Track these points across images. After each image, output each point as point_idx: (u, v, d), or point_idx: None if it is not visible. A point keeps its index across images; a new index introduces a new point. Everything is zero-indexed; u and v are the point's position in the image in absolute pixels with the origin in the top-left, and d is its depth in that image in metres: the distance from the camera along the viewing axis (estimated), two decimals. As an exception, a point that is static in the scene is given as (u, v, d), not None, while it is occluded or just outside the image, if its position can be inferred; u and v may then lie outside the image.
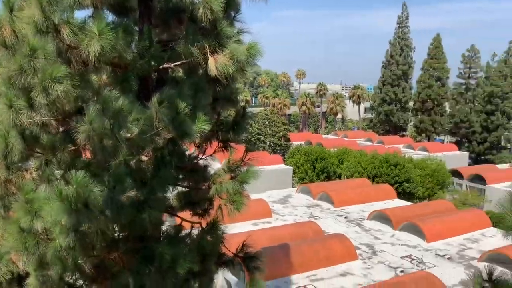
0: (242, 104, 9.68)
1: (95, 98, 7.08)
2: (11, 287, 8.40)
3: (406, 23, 71.40)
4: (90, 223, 5.47)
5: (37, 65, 5.60)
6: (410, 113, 73.88)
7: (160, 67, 6.57)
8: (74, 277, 7.49)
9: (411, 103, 73.04)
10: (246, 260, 8.20)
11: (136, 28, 7.24)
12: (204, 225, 7.83)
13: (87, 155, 7.56)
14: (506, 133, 65.08)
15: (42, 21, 5.34)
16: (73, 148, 6.74)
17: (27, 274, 7.70)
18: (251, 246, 8.40)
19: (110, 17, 6.74)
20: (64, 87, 5.60)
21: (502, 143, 65.51)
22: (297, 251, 17.40)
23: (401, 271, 17.44)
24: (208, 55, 6.01)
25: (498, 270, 6.06)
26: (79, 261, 6.17)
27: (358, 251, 19.01)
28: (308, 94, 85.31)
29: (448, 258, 18.99)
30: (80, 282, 7.62)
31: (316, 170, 38.60)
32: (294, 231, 20.39)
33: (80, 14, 6.74)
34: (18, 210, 6.39)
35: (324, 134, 72.65)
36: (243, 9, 7.15)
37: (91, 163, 7.04)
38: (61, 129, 6.54)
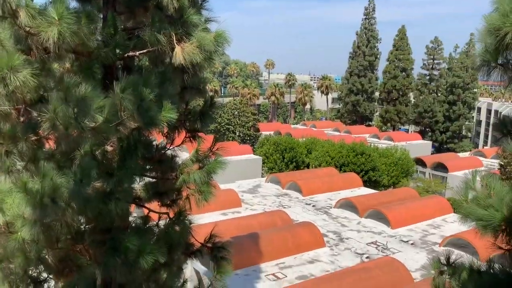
0: (211, 94, 9.63)
1: (58, 87, 6.88)
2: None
3: (372, 14, 72.52)
4: (56, 216, 5.34)
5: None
6: (376, 103, 75.47)
7: (126, 55, 6.42)
8: (38, 271, 7.32)
9: (377, 94, 74.61)
10: (214, 250, 8.21)
11: (100, 16, 7.07)
12: (172, 215, 7.77)
13: (50, 145, 7.35)
14: (467, 122, 67.63)
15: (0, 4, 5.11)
16: (35, 138, 6.53)
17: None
18: (219, 236, 8.41)
19: (73, 4, 6.50)
20: (23, 76, 5.39)
21: (463, 132, 68.08)
22: (266, 240, 17.58)
23: (367, 257, 17.94)
24: (175, 44, 5.92)
25: (455, 254, 6.33)
26: (42, 254, 6.02)
27: (325, 239, 19.40)
28: (277, 84, 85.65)
29: (412, 244, 19.66)
30: (45, 275, 7.45)
31: (285, 160, 38.95)
32: (263, 220, 20.57)
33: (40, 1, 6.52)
34: (-22, 203, 6.16)
35: (293, 124, 73.24)
36: (211, -2, 7.09)
37: (55, 154, 6.86)
38: (22, 119, 6.31)
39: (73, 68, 7.11)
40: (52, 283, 7.69)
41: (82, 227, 6.47)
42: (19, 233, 5.50)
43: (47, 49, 6.02)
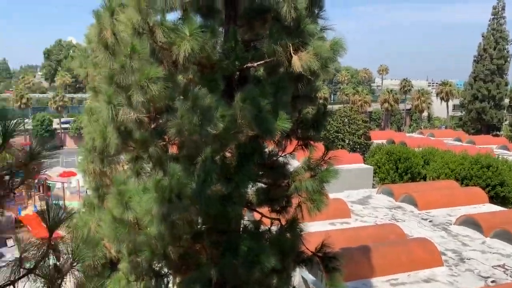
0: (321, 101, 9.64)
1: (181, 97, 7.50)
2: (104, 270, 9.19)
3: (502, 13, 65.90)
4: (180, 213, 5.83)
5: (135, 65, 6.07)
6: (505, 111, 68.07)
7: (244, 66, 6.77)
8: (160, 265, 8.01)
9: (506, 100, 67.29)
10: (325, 260, 8.17)
11: (221, 29, 7.56)
12: (283, 222, 7.93)
13: (174, 150, 8.04)
14: None
15: (139, 23, 5.76)
16: (162, 143, 7.19)
17: (118, 260, 8.37)
18: (330, 246, 8.35)
19: (197, 19, 7.06)
20: (159, 87, 5.99)
21: None
22: (377, 254, 16.91)
23: (493, 281, 16.22)
24: (292, 53, 6.08)
25: None
26: (166, 250, 6.58)
27: (443, 257, 17.99)
28: (391, 90, 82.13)
29: (549, 272, 17.31)
30: (165, 270, 8.12)
31: (399, 171, 37.10)
32: (374, 233, 19.82)
33: (170, 17, 7.20)
34: (111, 201, 6.98)
35: (408, 133, 69.52)
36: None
37: (179, 158, 7.47)
38: (152, 126, 7.00)
39: (195, 78, 7.72)
40: (171, 278, 8.36)
41: (200, 227, 6.93)
42: (147, 229, 6.08)
43: (175, 62, 6.63)
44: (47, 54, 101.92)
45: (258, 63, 6.77)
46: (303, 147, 8.34)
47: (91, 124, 8.20)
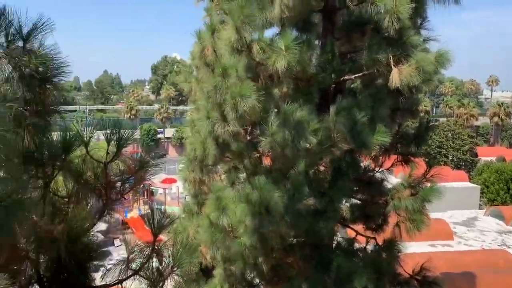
0: (421, 114, 9.13)
1: (276, 110, 7.61)
2: (200, 276, 9.57)
3: None
4: (271, 226, 5.88)
5: (229, 83, 6.32)
6: None
7: (341, 79, 6.68)
8: (252, 275, 8.13)
9: None
10: (424, 284, 7.65)
11: (316, 42, 7.55)
12: (379, 241, 7.60)
13: (268, 162, 8.16)
14: None
15: (237, 40, 5.99)
16: (257, 155, 7.35)
17: (213, 267, 8.66)
18: (430, 270, 7.81)
19: (294, 33, 7.14)
20: (251, 102, 6.15)
21: None
22: (484, 282, 15.41)
23: None
24: (392, 66, 5.86)
25: None
26: (258, 261, 6.67)
27: None
28: (502, 103, 75.12)
29: None
30: (257, 281, 8.22)
31: (510, 191, 33.62)
32: (481, 258, 18.11)
33: (268, 33, 7.38)
34: (209, 206, 7.27)
35: (522, 150, 62.80)
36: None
37: (272, 170, 7.57)
38: (248, 138, 7.19)
39: (290, 92, 7.79)
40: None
41: (292, 240, 6.92)
42: (241, 238, 6.22)
43: (271, 76, 6.76)
44: (154, 69, 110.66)
45: (356, 75, 6.63)
46: (403, 163, 7.96)
47: (193, 135, 8.67)
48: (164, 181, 35.32)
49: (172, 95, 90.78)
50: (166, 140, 68.17)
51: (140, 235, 27.24)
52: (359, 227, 8.42)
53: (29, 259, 3.25)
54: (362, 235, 7.91)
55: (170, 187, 35.44)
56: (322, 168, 6.54)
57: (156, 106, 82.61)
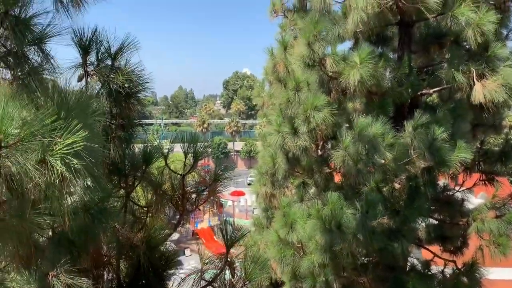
0: (506, 130, 8.47)
1: (348, 124, 7.45)
2: (268, 292, 9.51)
3: None
4: (342, 244, 5.71)
5: (301, 97, 6.30)
6: None
7: (419, 93, 6.40)
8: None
9: None
10: (510, 315, 7.00)
11: (391, 55, 7.32)
12: (459, 264, 7.10)
13: (338, 178, 7.99)
14: None
15: (309, 55, 5.97)
16: (328, 170, 7.22)
17: (282, 283, 8.58)
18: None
19: (368, 47, 6.98)
20: (323, 115, 6.08)
21: None
22: None
23: None
24: (475, 80, 5.51)
25: None
26: (329, 279, 6.49)
27: None
28: None
29: None
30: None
31: None
32: None
33: (340, 47, 7.30)
34: (277, 221, 7.24)
35: None
36: None
37: (343, 186, 7.39)
38: (319, 152, 7.10)
39: (362, 106, 7.60)
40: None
41: (365, 260, 6.67)
42: (312, 255, 6.10)
43: (344, 91, 6.64)
44: (226, 84, 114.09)
45: (434, 89, 6.32)
46: (486, 182, 7.41)
47: (265, 149, 8.74)
48: (233, 194, 35.92)
49: (241, 109, 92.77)
50: (235, 153, 69.51)
51: (210, 246, 27.83)
52: (436, 248, 7.98)
53: (111, 265, 3.42)
54: (439, 257, 7.45)
55: (239, 199, 35.94)
56: (397, 185, 6.26)
57: (227, 120, 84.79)
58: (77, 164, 1.73)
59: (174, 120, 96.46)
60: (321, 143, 7.18)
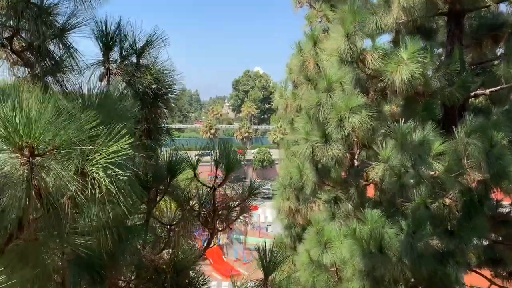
0: None
1: (386, 130, 7.35)
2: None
3: None
4: (385, 268, 5.61)
5: (334, 98, 6.22)
6: None
7: (473, 93, 6.29)
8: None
9: None
10: None
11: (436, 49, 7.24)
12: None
13: (371, 192, 7.90)
14: None
15: (347, 50, 5.90)
16: (365, 183, 7.13)
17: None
18: None
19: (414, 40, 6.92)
20: (361, 118, 5.99)
21: None
22: None
23: None
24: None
25: None
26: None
27: None
28: None
29: None
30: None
31: None
32: None
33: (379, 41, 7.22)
34: (309, 241, 7.16)
35: None
36: None
37: (383, 202, 7.28)
38: (354, 163, 7.02)
39: (401, 108, 7.50)
40: None
41: (411, 286, 6.55)
42: (349, 283, 6.00)
43: (384, 91, 6.56)
44: (235, 84, 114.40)
45: (491, 89, 6.20)
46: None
47: (288, 158, 8.68)
48: (244, 208, 35.82)
49: (253, 112, 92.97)
50: (246, 163, 69.56)
51: (218, 268, 27.73)
52: (486, 272, 7.88)
53: (131, 290, 3.37)
54: (491, 281, 7.36)
55: (250, 214, 35.82)
56: (448, 201, 6.14)
57: (236, 124, 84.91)
58: (122, 175, 1.69)
59: (177, 125, 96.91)
60: (357, 152, 7.11)
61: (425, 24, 7.04)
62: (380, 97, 6.85)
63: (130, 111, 2.75)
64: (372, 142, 6.95)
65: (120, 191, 1.75)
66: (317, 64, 7.08)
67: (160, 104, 3.14)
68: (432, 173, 5.74)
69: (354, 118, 5.99)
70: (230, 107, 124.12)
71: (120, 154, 1.69)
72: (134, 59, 3.10)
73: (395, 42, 7.06)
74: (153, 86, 3.01)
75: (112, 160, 1.67)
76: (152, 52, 3.11)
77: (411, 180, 5.69)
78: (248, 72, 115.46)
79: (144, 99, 3.02)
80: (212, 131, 72.54)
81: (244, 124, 75.42)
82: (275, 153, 67.04)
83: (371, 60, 5.80)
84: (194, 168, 3.51)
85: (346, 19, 5.61)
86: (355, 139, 6.61)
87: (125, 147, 1.71)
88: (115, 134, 1.73)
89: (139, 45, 3.11)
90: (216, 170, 3.64)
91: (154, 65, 3.06)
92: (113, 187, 1.67)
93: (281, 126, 63.86)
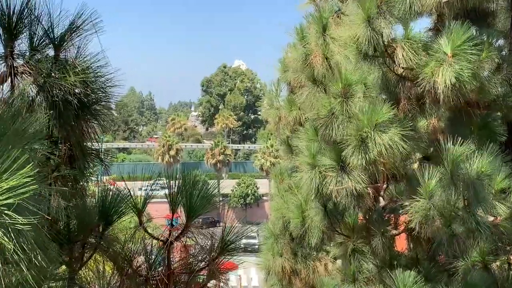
0: None
1: (427, 154, 7.34)
2: None
3: None
4: None
5: (352, 107, 6.20)
6: None
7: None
8: None
9: None
10: None
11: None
12: None
13: (407, 245, 7.87)
14: None
15: (369, 39, 5.90)
16: (395, 232, 7.10)
17: None
18: None
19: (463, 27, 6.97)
20: (390, 138, 5.96)
21: None
22: None
23: None
24: None
25: None
26: None
27: None
28: None
29: None
30: None
31: None
32: None
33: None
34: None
35: None
36: None
37: (419, 259, 7.25)
38: (381, 202, 6.99)
39: (445, 124, 7.53)
40: None
41: None
42: None
43: (421, 99, 6.57)
44: (206, 85, 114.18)
45: None
46: None
47: (282, 195, 8.62)
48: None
49: (232, 126, 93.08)
50: (221, 199, 69.52)
51: None
52: None
53: None
54: None
55: (228, 277, 35.69)
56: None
57: (207, 143, 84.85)
58: (25, 224, 1.64)
59: (122, 144, 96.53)
60: (384, 186, 7.07)
61: (479, 3, 7.09)
62: (416, 107, 6.85)
63: (41, 128, 2.66)
64: (405, 172, 6.94)
65: (21, 248, 1.70)
66: (327, 59, 7.07)
67: (88, 116, 3.07)
68: (493, 218, 5.74)
69: (381, 137, 5.94)
70: (199, 117, 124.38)
71: (20, 191, 1.62)
72: (51, 52, 3.04)
73: (437, 30, 7.09)
74: (77, 91, 2.94)
75: (8, 201, 1.60)
76: (77, 41, 3.05)
77: (463, 228, 5.68)
78: (225, 67, 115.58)
79: (65, 109, 2.94)
80: (172, 152, 72.36)
81: (219, 142, 75.37)
82: (263, 185, 66.44)
83: (403, 55, 5.81)
84: (139, 210, 3.44)
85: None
86: (383, 167, 6.58)
87: (28, 181, 1.63)
88: (11, 162, 1.65)
89: (59, 31, 3.05)
90: (173, 214, 3.57)
91: (81, 61, 2.99)
92: (8, 242, 1.60)
93: (272, 146, 63.68)
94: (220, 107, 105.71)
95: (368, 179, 6.71)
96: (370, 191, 6.87)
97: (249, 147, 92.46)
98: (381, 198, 6.93)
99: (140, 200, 3.49)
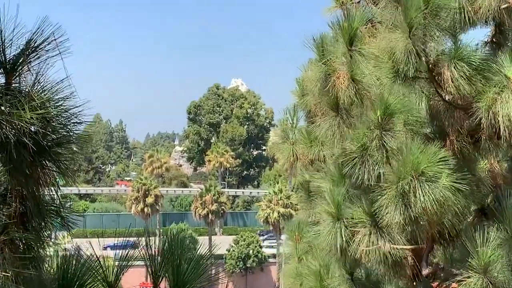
0: None
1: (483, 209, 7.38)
2: None
3: None
4: None
5: (389, 142, 6.22)
6: None
7: None
8: None
9: None
10: None
11: None
12: None
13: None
14: None
15: (409, 56, 5.97)
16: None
17: None
18: None
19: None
20: (439, 190, 5.95)
21: None
22: None
23: None
24: None
25: None
26: None
27: None
28: None
29: None
30: None
31: None
32: None
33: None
34: None
35: None
36: None
37: None
38: (424, 272, 7.00)
39: (502, 166, 7.58)
40: None
41: None
42: None
43: (475, 134, 6.61)
44: (194, 112, 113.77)
45: None
46: None
47: (298, 255, 8.64)
48: None
49: (228, 165, 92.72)
50: (214, 261, 69.36)
51: None
52: None
53: None
54: None
55: None
56: None
57: (195, 187, 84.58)
58: None
59: (85, 188, 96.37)
60: (427, 250, 7.07)
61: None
62: (470, 144, 6.89)
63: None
64: (457, 232, 6.94)
65: None
66: (354, 80, 7.06)
67: (47, 162, 3.10)
68: None
69: (428, 188, 5.92)
70: (185, 154, 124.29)
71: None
72: (1, 80, 3.07)
73: (495, 44, 7.18)
74: (34, 130, 2.97)
75: None
76: (35, 65, 3.09)
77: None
78: (218, 89, 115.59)
79: (18, 153, 2.98)
80: (150, 199, 72.14)
81: (211, 186, 75.25)
82: (284, 243, 65.46)
83: (452, 78, 5.87)
84: (111, 284, 3.46)
85: (409, 4, 5.70)
86: (429, 227, 6.57)
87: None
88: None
89: (11, 52, 3.09)
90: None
91: (39, 91, 3.03)
92: None
93: (281, 192, 63.26)
94: (212, 140, 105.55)
95: (410, 241, 6.73)
96: (410, 258, 6.90)
97: (250, 192, 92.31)
98: (424, 265, 6.93)
99: (113, 270, 3.50)
